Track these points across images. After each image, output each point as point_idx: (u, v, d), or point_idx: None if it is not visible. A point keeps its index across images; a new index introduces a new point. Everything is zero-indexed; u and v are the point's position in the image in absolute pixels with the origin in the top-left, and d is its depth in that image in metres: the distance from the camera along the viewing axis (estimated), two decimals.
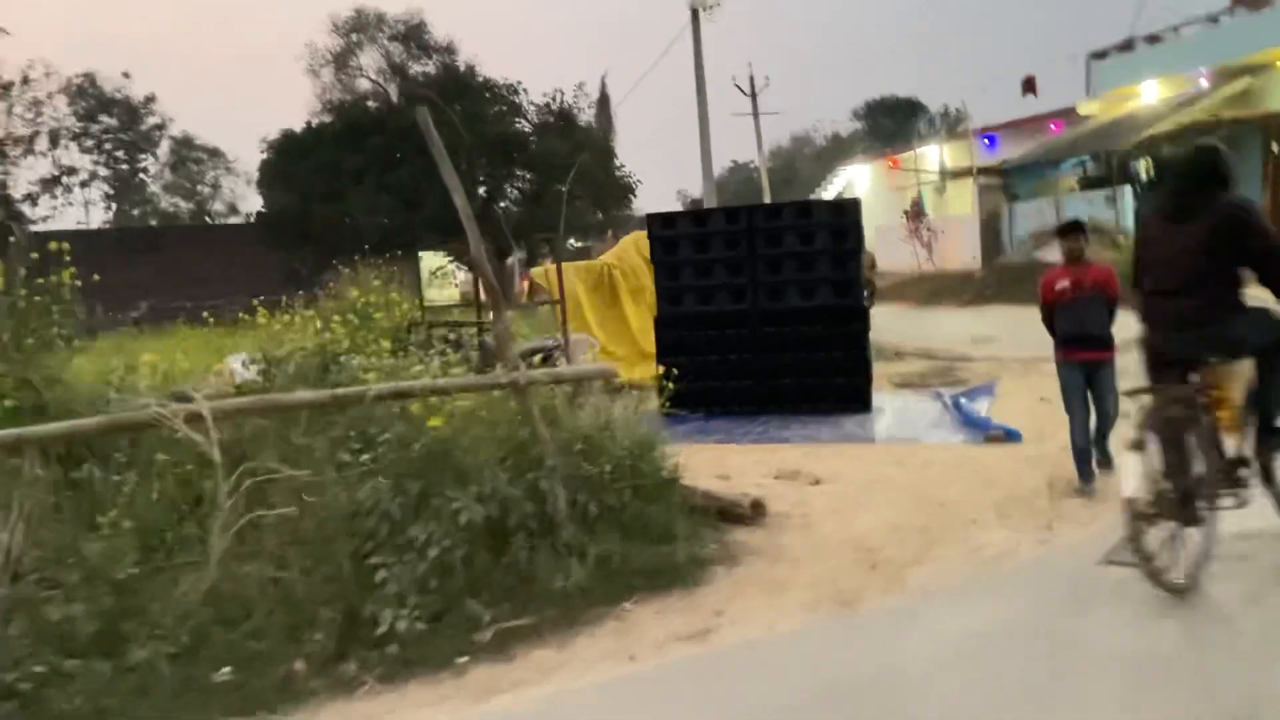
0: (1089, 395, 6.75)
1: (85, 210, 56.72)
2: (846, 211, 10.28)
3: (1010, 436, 8.32)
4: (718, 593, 4.92)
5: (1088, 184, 23.92)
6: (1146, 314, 4.82)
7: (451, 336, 10.10)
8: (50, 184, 52.69)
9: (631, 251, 13.82)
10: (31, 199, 51.92)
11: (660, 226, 10.87)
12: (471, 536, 4.60)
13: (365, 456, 4.77)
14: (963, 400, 9.96)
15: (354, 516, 4.42)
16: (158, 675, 3.76)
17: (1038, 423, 9.02)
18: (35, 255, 6.03)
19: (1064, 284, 6.67)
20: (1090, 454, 6.77)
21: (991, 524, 6.06)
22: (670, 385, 10.76)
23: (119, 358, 12.24)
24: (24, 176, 46.02)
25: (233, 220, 52.59)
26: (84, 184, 55.86)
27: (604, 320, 13.64)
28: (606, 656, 4.22)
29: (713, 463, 8.32)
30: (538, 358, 11.12)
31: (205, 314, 10.16)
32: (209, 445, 4.07)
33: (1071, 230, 6.83)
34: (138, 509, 4.26)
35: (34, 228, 46.74)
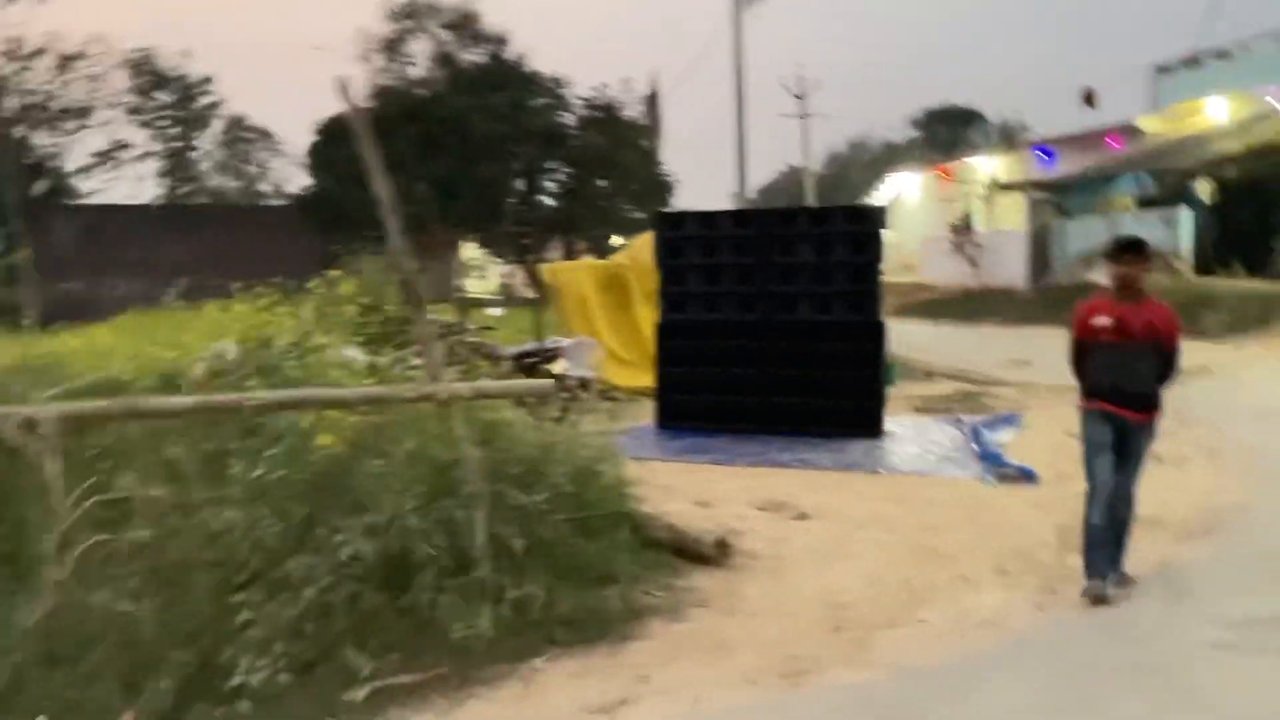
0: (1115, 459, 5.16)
1: (138, 185, 57.45)
2: (867, 219, 9.54)
3: (1026, 476, 7.55)
4: (649, 652, 4.28)
5: (1145, 204, 22.80)
6: None
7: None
8: (104, 158, 53.44)
9: (646, 251, 13.17)
10: (85, 172, 52.68)
11: (666, 227, 10.22)
12: (365, 574, 4.01)
13: (257, 473, 4.19)
14: (983, 430, 9.19)
15: (224, 545, 3.86)
16: None
17: (1060, 461, 8.21)
18: None
19: (1104, 321, 5.10)
20: (1106, 540, 5.15)
21: (986, 581, 5.35)
22: (666, 398, 10.15)
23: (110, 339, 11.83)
24: (79, 150, 46.57)
25: (277, 202, 52.84)
26: (138, 159, 56.63)
27: (615, 323, 13.01)
28: None
29: (697, 486, 7.67)
30: (531, 360, 10.60)
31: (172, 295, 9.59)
32: (44, 456, 3.53)
33: (1127, 252, 5.16)
34: None
35: (86, 201, 47.36)
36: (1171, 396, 10.93)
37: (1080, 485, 7.35)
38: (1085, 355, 5.26)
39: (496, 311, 11.80)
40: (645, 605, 4.69)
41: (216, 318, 13.35)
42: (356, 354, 10.19)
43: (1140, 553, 5.88)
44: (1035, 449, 8.74)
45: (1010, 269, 24.58)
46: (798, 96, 36.76)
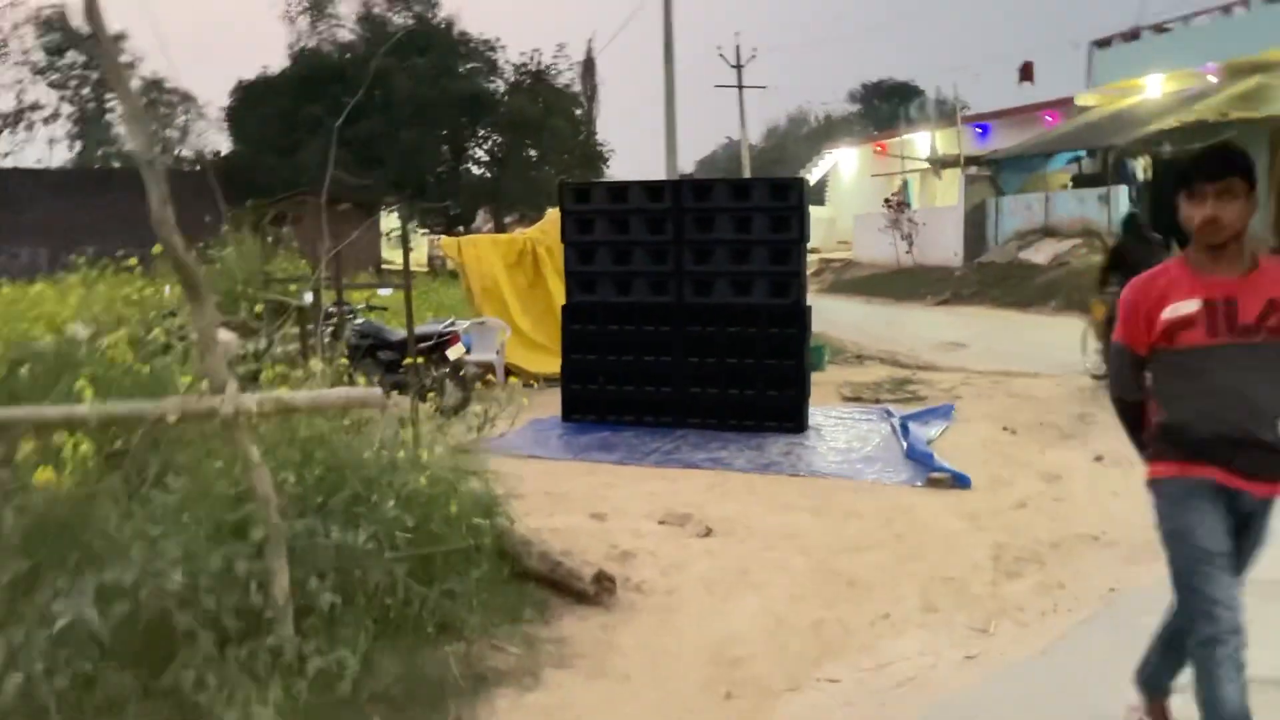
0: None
1: (49, 148, 54.50)
2: (789, 193, 8.69)
3: (958, 481, 6.81)
4: None
5: (1080, 181, 22.40)
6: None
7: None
8: (13, 119, 50.51)
9: (559, 226, 12.22)
10: None
11: (573, 199, 9.27)
12: (108, 649, 3.07)
13: None
14: (912, 425, 8.45)
15: None
16: None
17: (994, 462, 7.54)
18: None
19: (1188, 308, 2.78)
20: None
21: (910, 620, 4.56)
22: (572, 388, 9.27)
23: None
24: None
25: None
26: (48, 121, 53.64)
27: (525, 303, 12.05)
28: None
29: (595, 493, 6.81)
30: (424, 345, 9.60)
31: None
32: None
33: (1222, 173, 2.74)
34: None
35: None
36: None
37: (1018, 493, 6.74)
38: (1150, 376, 2.95)
39: (386, 292, 10.72)
40: (493, 668, 3.81)
41: (92, 291, 12.08)
42: (230, 338, 9.11)
43: (1085, 576, 5.19)
44: (967, 447, 8.04)
45: (945, 246, 24.10)
46: (735, 66, 35.84)
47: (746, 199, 8.79)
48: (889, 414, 9.30)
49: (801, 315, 8.71)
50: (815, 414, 9.10)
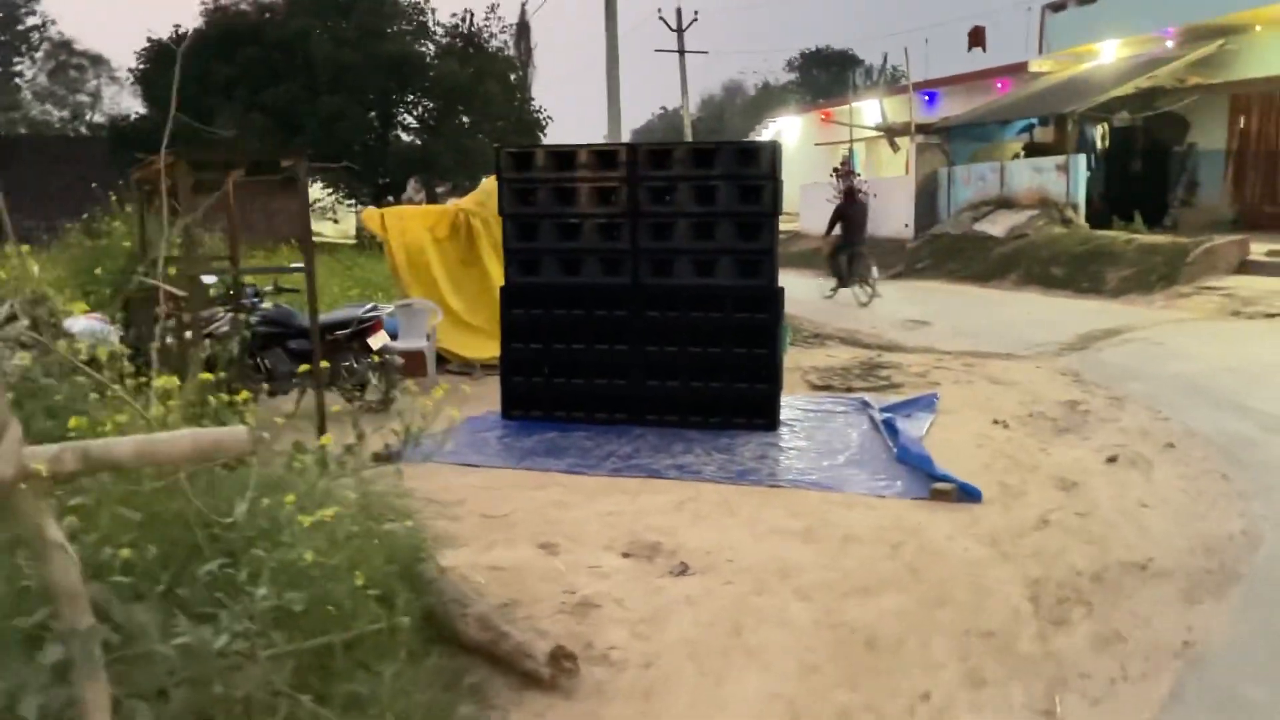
0: None
1: None
2: (759, 159, 7.64)
3: (966, 494, 5.87)
4: None
5: (1034, 150, 21.73)
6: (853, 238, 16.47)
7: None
8: None
9: (496, 196, 11.02)
10: None
11: (512, 166, 8.09)
12: None
13: None
14: (897, 421, 7.52)
15: None
16: None
17: (997, 465, 6.61)
18: None
19: None
20: None
21: (956, 700, 3.59)
22: (513, 381, 8.17)
23: None
24: None
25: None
26: None
27: (458, 282, 10.86)
28: None
29: (544, 512, 5.73)
30: (345, 332, 8.40)
31: None
32: None
33: None
34: None
35: None
36: (1092, 365, 9.19)
37: (1035, 507, 5.80)
38: None
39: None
40: None
41: None
42: (105, 328, 7.78)
43: (1146, 623, 4.27)
44: (959, 445, 7.11)
45: (895, 218, 23.28)
46: (676, 30, 34.58)
47: (710, 166, 7.71)
48: (865, 405, 8.38)
49: (773, 299, 7.69)
50: (784, 406, 8.12)
